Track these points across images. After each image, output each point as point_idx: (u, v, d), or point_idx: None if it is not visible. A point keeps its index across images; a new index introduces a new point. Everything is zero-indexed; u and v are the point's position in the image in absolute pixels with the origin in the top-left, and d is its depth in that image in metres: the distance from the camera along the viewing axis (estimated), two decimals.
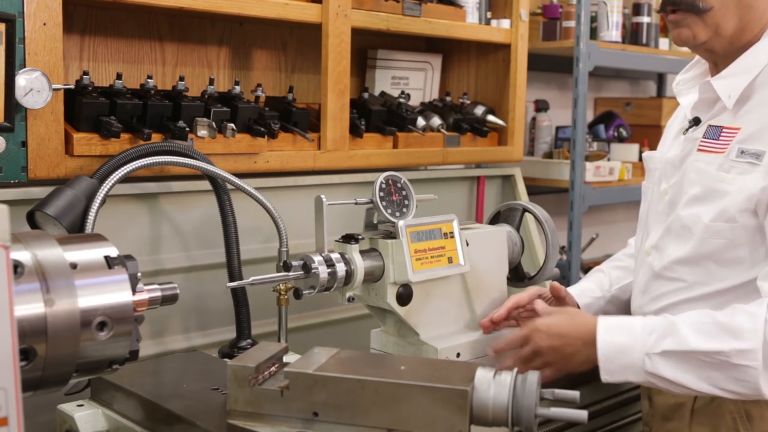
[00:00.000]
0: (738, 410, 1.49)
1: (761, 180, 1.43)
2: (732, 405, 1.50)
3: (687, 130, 1.61)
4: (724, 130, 1.52)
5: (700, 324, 1.40)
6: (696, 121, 1.60)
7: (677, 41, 1.56)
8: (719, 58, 1.56)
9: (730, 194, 1.46)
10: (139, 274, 1.13)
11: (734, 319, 1.38)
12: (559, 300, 1.77)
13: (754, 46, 1.51)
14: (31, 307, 0.95)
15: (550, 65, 3.38)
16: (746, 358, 1.34)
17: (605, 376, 1.46)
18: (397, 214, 1.63)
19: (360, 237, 1.61)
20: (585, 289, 1.83)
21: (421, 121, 2.34)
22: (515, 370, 1.19)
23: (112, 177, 1.63)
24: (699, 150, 1.55)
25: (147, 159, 1.68)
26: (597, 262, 3.64)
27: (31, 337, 0.94)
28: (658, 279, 1.59)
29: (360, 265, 1.57)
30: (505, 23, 2.56)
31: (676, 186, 1.58)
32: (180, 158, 1.73)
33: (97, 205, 1.60)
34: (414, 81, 2.61)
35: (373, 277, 1.60)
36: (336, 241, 1.61)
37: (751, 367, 1.34)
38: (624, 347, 1.43)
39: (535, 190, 3.01)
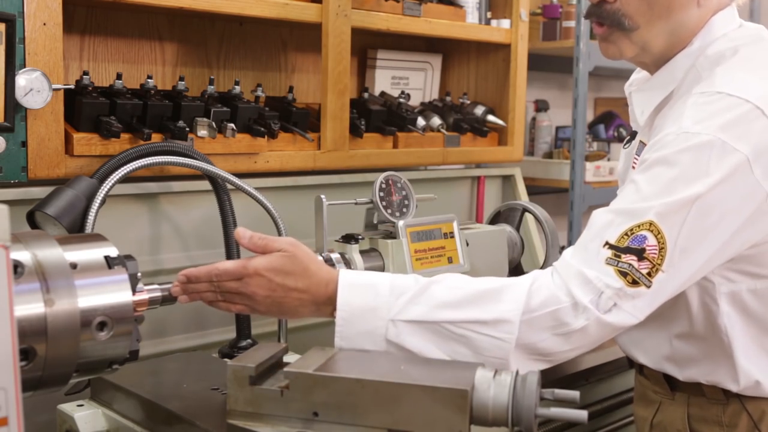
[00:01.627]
0: (684, 428, 1.46)
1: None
2: (680, 423, 1.46)
3: (626, 143, 1.59)
4: (645, 146, 1.42)
5: (454, 289, 1.27)
6: (633, 135, 1.56)
7: (605, 55, 1.46)
8: (652, 68, 1.47)
9: None
10: (139, 274, 1.13)
11: (493, 285, 1.26)
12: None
13: (674, 59, 1.41)
14: (31, 307, 0.95)
15: (550, 65, 3.38)
16: (500, 330, 1.23)
17: (340, 342, 1.29)
18: (397, 214, 1.63)
19: (360, 237, 1.61)
20: None
21: (421, 121, 2.34)
22: (515, 370, 1.18)
23: (112, 177, 1.63)
24: (633, 167, 1.48)
25: (147, 159, 1.68)
26: None
27: (31, 337, 0.94)
28: None
29: (360, 265, 1.57)
30: (505, 23, 2.56)
31: None
32: (180, 158, 1.73)
33: (97, 205, 1.60)
34: (414, 81, 2.61)
35: None
36: (336, 241, 1.61)
37: (502, 339, 1.23)
38: (366, 310, 1.26)
39: (535, 190, 3.01)
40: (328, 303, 1.30)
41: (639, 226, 1.23)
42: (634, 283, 1.22)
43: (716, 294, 1.36)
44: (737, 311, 1.36)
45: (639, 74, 1.60)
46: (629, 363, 1.62)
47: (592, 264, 1.23)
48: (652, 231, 1.23)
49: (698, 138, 1.24)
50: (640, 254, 1.22)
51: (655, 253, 1.22)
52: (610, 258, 1.23)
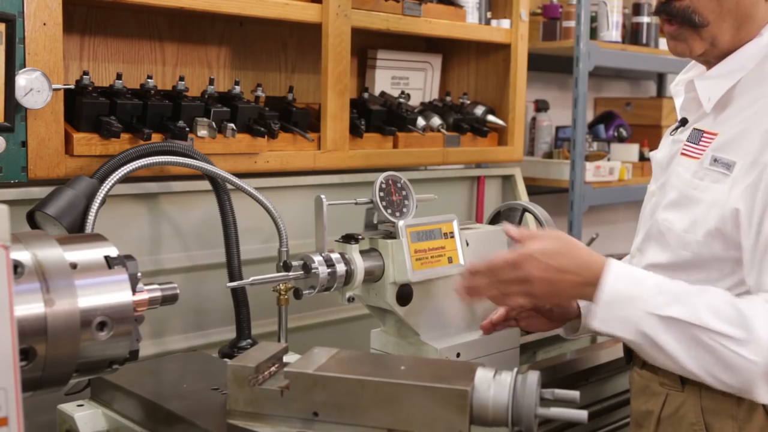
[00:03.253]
0: (699, 422, 1.45)
1: (729, 195, 1.37)
2: (693, 416, 1.46)
3: (674, 130, 1.60)
4: (704, 134, 1.46)
5: (715, 302, 1.32)
6: (683, 122, 1.57)
7: (673, 52, 1.50)
8: (714, 62, 1.50)
9: (702, 203, 1.41)
10: (139, 274, 1.13)
11: (751, 309, 1.31)
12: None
13: (742, 48, 1.44)
14: (31, 307, 0.95)
15: (550, 65, 3.38)
16: (749, 350, 1.28)
17: (597, 324, 1.36)
18: (397, 214, 1.63)
19: (360, 237, 1.61)
20: None
21: (421, 121, 2.34)
22: (515, 369, 1.18)
23: (112, 177, 1.63)
24: (682, 153, 1.50)
25: (147, 159, 1.68)
26: None
27: (31, 337, 0.94)
28: None
29: (360, 265, 1.57)
30: (505, 23, 2.56)
31: (661, 189, 1.55)
32: (180, 158, 1.73)
33: (97, 205, 1.60)
34: (414, 81, 2.61)
35: (373, 277, 1.60)
36: (336, 241, 1.61)
37: (750, 361, 1.28)
38: (628, 298, 1.33)
39: (535, 190, 3.01)
40: (592, 284, 1.35)
41: None
42: None
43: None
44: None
45: (685, 75, 1.63)
46: (627, 359, 1.62)
47: None
48: None
49: None
50: None
51: None
52: None
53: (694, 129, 1.50)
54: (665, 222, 1.48)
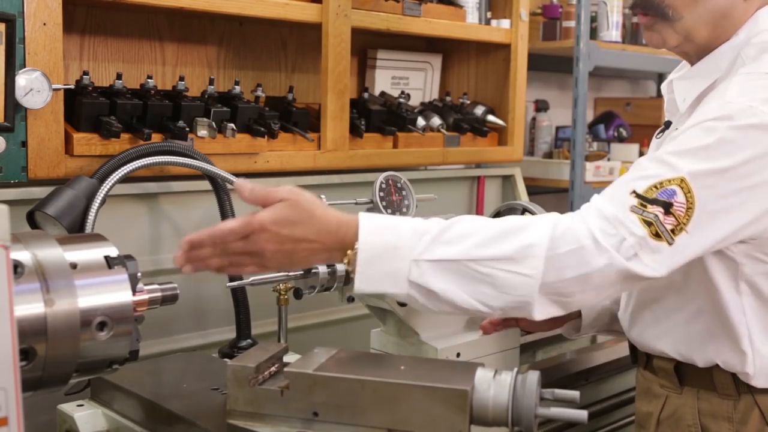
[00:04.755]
0: (695, 424, 1.45)
1: None
2: (690, 418, 1.46)
3: (660, 133, 1.59)
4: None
5: (477, 227, 1.24)
6: (667, 125, 1.57)
7: (648, 43, 1.50)
8: (694, 59, 1.49)
9: None
10: (139, 274, 1.13)
11: (516, 222, 1.24)
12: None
13: (718, 48, 1.43)
14: (31, 307, 0.95)
15: (550, 65, 3.38)
16: (526, 266, 1.19)
17: (361, 285, 1.21)
18: (397, 213, 1.63)
19: None
20: None
21: (421, 121, 2.34)
22: (515, 369, 1.18)
23: (112, 177, 1.63)
24: None
25: (147, 159, 1.68)
26: None
27: (31, 337, 0.94)
28: None
29: None
30: (505, 23, 2.56)
31: None
32: (180, 158, 1.73)
33: (97, 205, 1.60)
34: (414, 81, 2.61)
35: None
36: None
37: (527, 276, 1.19)
38: (389, 249, 1.20)
39: (535, 190, 3.01)
40: (340, 248, 1.24)
41: (670, 181, 1.23)
42: (657, 236, 1.21)
43: (737, 273, 1.36)
44: (754, 294, 1.37)
45: (677, 74, 1.62)
46: (633, 358, 1.62)
47: (617, 210, 1.22)
48: (682, 188, 1.23)
49: (740, 107, 1.26)
50: (667, 208, 1.22)
51: (682, 211, 1.22)
52: (636, 206, 1.22)
53: (676, 129, 1.49)
54: None
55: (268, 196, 1.23)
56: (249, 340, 1.83)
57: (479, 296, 1.22)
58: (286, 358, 1.33)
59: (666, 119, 1.59)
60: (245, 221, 1.21)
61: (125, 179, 1.66)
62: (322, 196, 1.57)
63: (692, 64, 1.51)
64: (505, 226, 1.24)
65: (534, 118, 3.40)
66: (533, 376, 1.16)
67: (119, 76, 1.77)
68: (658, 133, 1.61)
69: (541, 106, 3.39)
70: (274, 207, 1.22)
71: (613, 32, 3.20)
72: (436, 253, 1.21)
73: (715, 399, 1.43)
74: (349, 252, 1.22)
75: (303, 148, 2.07)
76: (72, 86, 1.71)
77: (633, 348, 1.59)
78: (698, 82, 1.45)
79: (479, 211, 2.60)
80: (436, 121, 2.41)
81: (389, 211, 1.62)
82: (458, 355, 1.65)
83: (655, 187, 1.23)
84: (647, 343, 1.52)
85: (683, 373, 1.47)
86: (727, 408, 1.41)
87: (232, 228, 1.21)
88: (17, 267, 0.95)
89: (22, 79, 1.55)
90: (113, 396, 1.43)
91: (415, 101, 2.57)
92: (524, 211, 1.91)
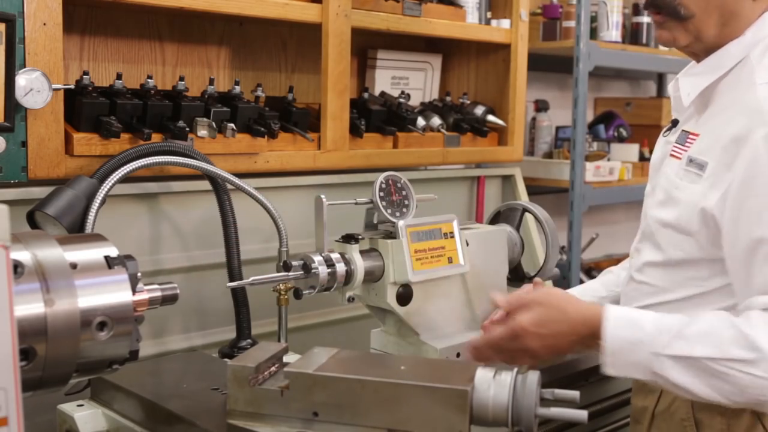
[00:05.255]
0: (689, 417, 1.48)
1: (702, 196, 1.39)
2: (684, 412, 1.48)
3: (667, 132, 1.61)
4: (689, 135, 1.48)
5: (715, 328, 1.33)
6: (674, 123, 1.59)
7: (659, 41, 1.53)
8: (701, 58, 1.52)
9: (682, 203, 1.43)
10: (139, 274, 1.13)
11: (751, 326, 1.31)
12: None
13: (725, 46, 1.46)
14: (31, 307, 0.95)
15: (550, 65, 3.38)
16: (761, 369, 1.27)
17: (610, 370, 1.38)
18: (397, 214, 1.63)
19: (360, 237, 1.61)
20: (588, 288, 1.80)
21: (421, 121, 2.34)
22: (515, 369, 1.18)
23: (112, 177, 1.63)
24: (671, 155, 1.51)
25: (147, 159, 1.68)
26: (597, 262, 3.66)
27: (31, 337, 0.94)
28: (632, 282, 1.58)
29: (360, 265, 1.57)
30: (505, 23, 2.56)
31: (653, 190, 1.57)
32: (180, 158, 1.73)
33: (97, 205, 1.60)
34: (414, 81, 2.61)
35: (373, 277, 1.60)
36: (336, 241, 1.61)
37: (765, 378, 1.27)
38: (632, 343, 1.34)
39: (535, 190, 3.01)
40: (592, 337, 1.37)
41: None
42: None
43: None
44: None
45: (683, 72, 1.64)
46: None
47: None
48: None
49: None
50: None
51: None
52: None
53: (682, 131, 1.52)
54: (655, 222, 1.50)
55: (522, 303, 1.43)
56: (249, 340, 1.83)
57: (720, 391, 1.32)
58: (286, 358, 1.33)
59: (673, 117, 1.60)
60: (510, 327, 1.41)
61: (125, 179, 1.66)
62: (323, 197, 1.57)
63: (698, 61, 1.53)
64: (742, 326, 1.31)
65: (534, 118, 3.40)
66: (533, 376, 1.17)
67: (119, 76, 1.77)
68: (665, 132, 1.62)
69: (541, 106, 3.39)
70: (532, 310, 1.40)
71: (613, 32, 3.20)
72: (675, 348, 1.32)
73: None
74: (600, 341, 1.36)
75: (303, 148, 2.07)
76: (72, 86, 1.71)
77: None
78: (703, 78, 1.48)
79: (479, 211, 2.60)
80: (436, 121, 2.41)
81: (389, 211, 1.62)
82: (458, 355, 1.65)
83: None
84: None
85: None
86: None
87: (501, 335, 1.42)
88: (17, 267, 0.95)
89: (22, 79, 1.55)
90: (113, 396, 1.43)
91: (415, 101, 2.57)
92: (524, 211, 1.91)
